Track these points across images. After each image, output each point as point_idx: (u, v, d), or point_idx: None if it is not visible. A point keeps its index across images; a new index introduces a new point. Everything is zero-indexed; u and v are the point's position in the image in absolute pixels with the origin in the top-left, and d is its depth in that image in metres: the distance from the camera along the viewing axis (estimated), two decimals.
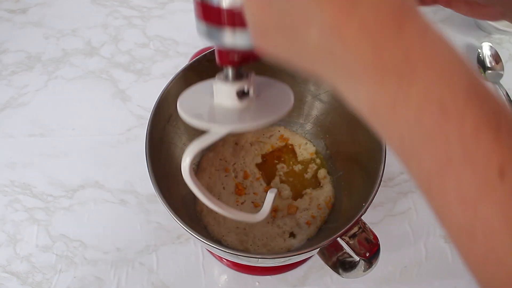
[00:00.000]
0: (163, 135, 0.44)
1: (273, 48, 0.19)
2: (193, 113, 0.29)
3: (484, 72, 0.64)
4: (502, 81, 0.63)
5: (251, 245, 0.46)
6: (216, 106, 0.29)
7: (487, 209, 0.13)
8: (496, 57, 0.65)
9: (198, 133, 0.51)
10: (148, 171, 0.38)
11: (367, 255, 0.35)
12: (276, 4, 0.17)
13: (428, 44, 0.15)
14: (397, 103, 0.15)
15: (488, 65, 0.64)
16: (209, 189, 0.49)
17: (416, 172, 0.16)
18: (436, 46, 0.15)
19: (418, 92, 0.15)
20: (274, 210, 0.48)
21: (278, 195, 0.49)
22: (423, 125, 0.15)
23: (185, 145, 0.50)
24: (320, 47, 0.16)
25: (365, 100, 0.16)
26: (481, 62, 0.64)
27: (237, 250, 0.40)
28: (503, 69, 0.64)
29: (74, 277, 0.49)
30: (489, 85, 0.63)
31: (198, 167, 0.51)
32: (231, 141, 0.53)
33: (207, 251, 0.51)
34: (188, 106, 0.30)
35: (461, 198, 0.14)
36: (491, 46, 0.65)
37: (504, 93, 0.62)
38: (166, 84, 0.42)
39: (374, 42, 0.15)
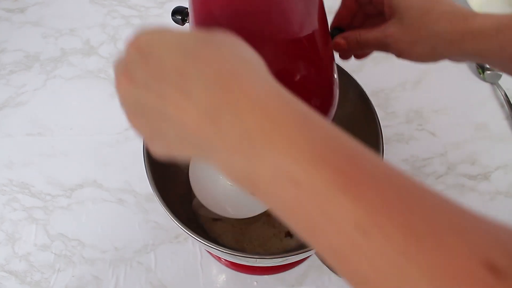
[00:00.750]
0: None
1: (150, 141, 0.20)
2: (211, 201, 0.41)
3: (483, 72, 0.64)
4: (500, 82, 0.63)
5: (247, 244, 0.46)
6: (223, 185, 0.40)
7: (360, 263, 0.13)
8: (478, 62, 0.65)
9: None
10: (146, 171, 0.38)
11: None
12: (140, 110, 0.19)
13: (263, 114, 0.15)
14: (252, 177, 0.15)
15: (487, 65, 0.64)
16: None
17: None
18: (272, 114, 0.15)
19: (266, 169, 0.15)
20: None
21: None
22: (283, 201, 0.15)
23: None
24: (176, 136, 0.17)
25: (227, 172, 0.17)
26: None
27: (235, 250, 0.40)
28: None
29: (73, 276, 0.49)
30: (488, 86, 0.63)
31: None
32: None
33: (205, 250, 0.51)
34: (203, 191, 0.41)
35: (335, 256, 0.14)
36: None
37: (503, 93, 0.62)
38: None
39: (214, 125, 0.15)
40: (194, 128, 0.16)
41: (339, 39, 0.33)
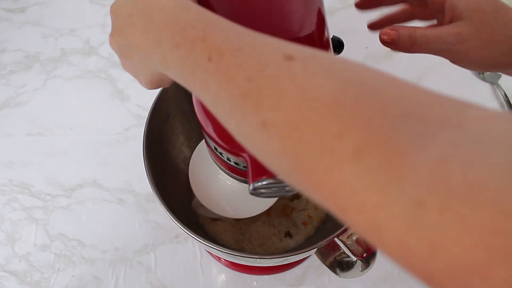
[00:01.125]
0: (161, 134, 0.44)
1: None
2: (210, 201, 0.41)
3: (483, 73, 0.64)
4: (500, 82, 0.64)
5: (246, 244, 0.46)
6: (222, 185, 0.42)
7: (210, 83, 0.19)
8: None
9: (195, 133, 0.51)
10: (146, 171, 0.38)
11: (364, 256, 0.35)
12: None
13: (166, 15, 0.21)
14: (166, 60, 0.21)
15: None
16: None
17: None
18: (169, 15, 0.21)
19: (166, 50, 0.21)
20: (269, 210, 0.48)
21: None
22: (179, 64, 0.20)
23: (183, 145, 0.50)
24: (139, 60, 0.24)
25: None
26: None
27: (235, 250, 0.40)
28: None
29: (72, 276, 0.49)
30: (488, 85, 0.63)
31: None
32: None
33: (205, 250, 0.51)
34: (203, 191, 0.42)
35: (201, 86, 0.20)
36: None
37: (503, 93, 0.62)
38: None
39: (146, 34, 0.22)
40: (139, 45, 0.23)
41: (389, 29, 0.31)
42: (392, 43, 0.31)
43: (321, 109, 0.15)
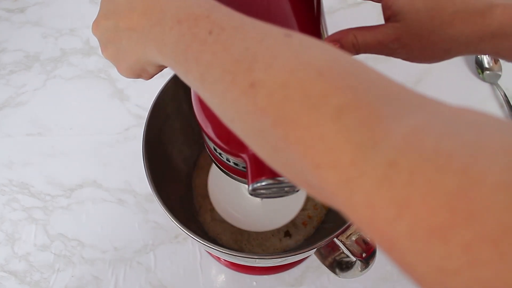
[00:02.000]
0: (160, 135, 0.44)
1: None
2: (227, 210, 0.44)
3: (482, 72, 0.64)
4: (500, 82, 0.64)
5: (245, 244, 0.46)
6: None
7: (205, 53, 0.19)
8: (495, 58, 0.65)
9: (195, 133, 0.51)
10: (145, 171, 0.38)
11: (364, 256, 0.35)
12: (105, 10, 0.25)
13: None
14: (164, 43, 0.21)
15: (486, 65, 0.64)
16: None
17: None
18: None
19: (166, 33, 0.21)
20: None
21: None
22: (175, 47, 0.20)
23: (182, 145, 0.50)
24: (127, 42, 0.24)
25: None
26: (479, 62, 0.65)
27: (234, 250, 0.40)
28: (501, 70, 0.64)
29: (72, 276, 0.49)
30: (487, 86, 0.63)
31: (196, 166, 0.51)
32: None
33: (204, 250, 0.51)
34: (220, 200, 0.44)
35: (195, 61, 0.20)
36: None
37: (502, 93, 0.62)
38: (163, 84, 0.43)
39: (145, 17, 0.22)
40: (133, 27, 0.22)
41: (331, 42, 0.30)
42: None
43: (312, 72, 0.16)
